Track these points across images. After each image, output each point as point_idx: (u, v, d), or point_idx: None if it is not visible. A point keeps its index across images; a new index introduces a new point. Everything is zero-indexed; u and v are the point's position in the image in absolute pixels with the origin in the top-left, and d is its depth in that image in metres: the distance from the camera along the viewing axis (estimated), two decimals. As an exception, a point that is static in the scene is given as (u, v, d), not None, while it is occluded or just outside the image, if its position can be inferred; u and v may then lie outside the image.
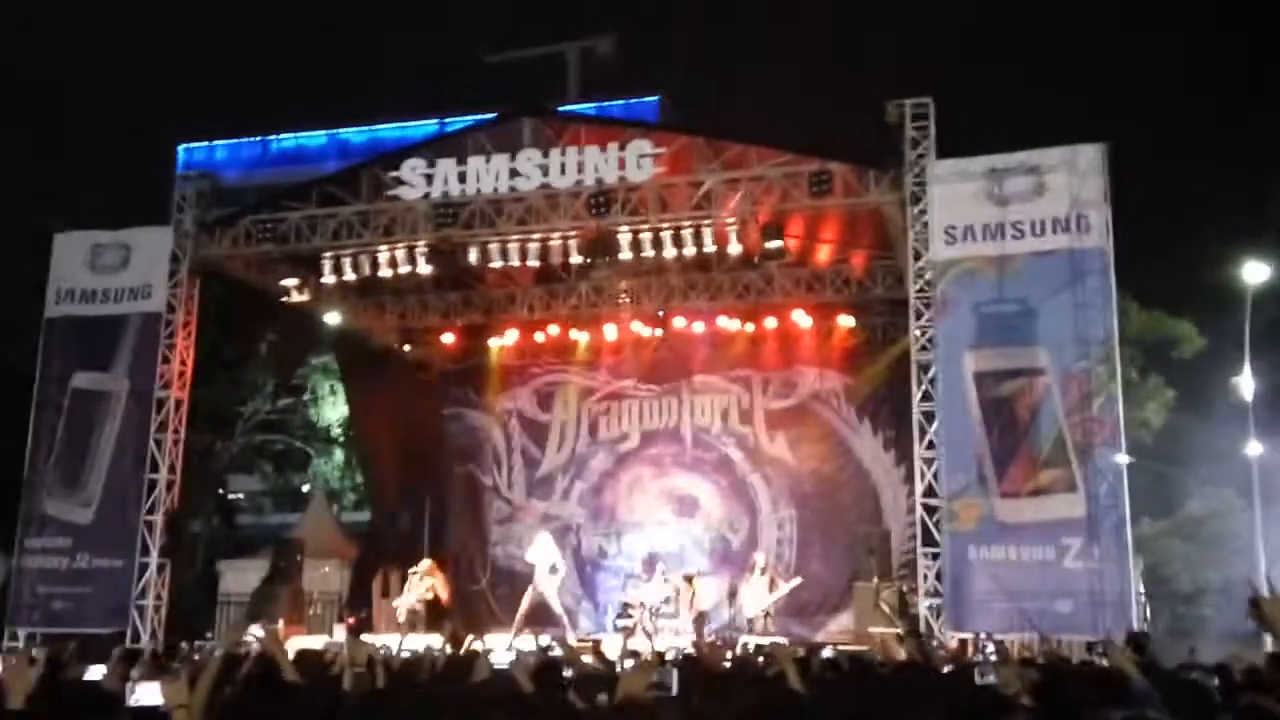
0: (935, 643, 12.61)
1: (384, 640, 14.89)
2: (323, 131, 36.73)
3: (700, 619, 16.69)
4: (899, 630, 14.05)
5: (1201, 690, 6.68)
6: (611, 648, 11.71)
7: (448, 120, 28.87)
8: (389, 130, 34.43)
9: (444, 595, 17.77)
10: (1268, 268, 17.93)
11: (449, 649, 9.23)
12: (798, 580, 16.89)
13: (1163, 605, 19.51)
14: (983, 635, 12.03)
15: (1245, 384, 18.28)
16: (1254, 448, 18.36)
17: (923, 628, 13.56)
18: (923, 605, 13.79)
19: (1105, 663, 8.25)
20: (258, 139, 37.37)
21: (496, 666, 6.32)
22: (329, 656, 7.15)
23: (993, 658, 9.36)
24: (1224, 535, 21.36)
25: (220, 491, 27.81)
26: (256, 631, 15.18)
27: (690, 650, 10.84)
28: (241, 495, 29.87)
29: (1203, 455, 21.44)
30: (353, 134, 36.14)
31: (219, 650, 5.46)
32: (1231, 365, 18.72)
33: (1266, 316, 18.41)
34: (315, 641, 14.61)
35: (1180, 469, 21.78)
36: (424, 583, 17.31)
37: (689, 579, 17.27)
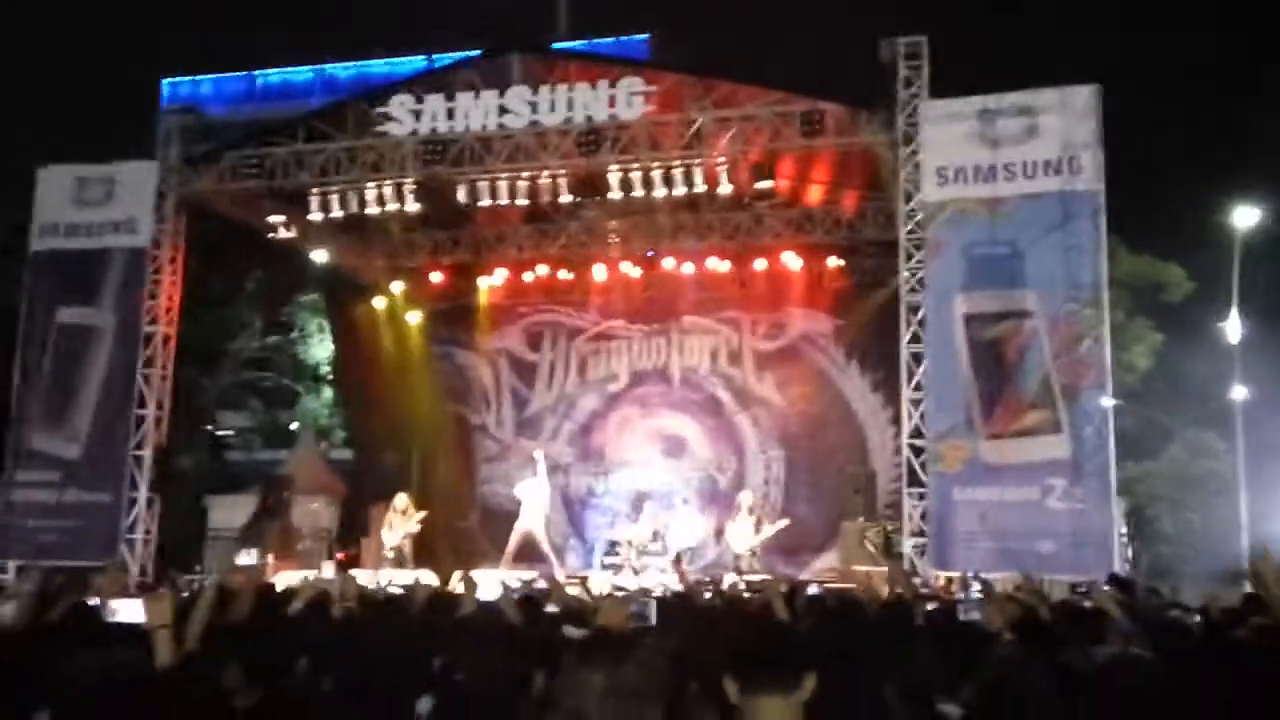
0: (919, 580, 12.76)
1: (372, 575, 15.03)
2: (309, 67, 36.22)
3: (679, 557, 16.81)
4: (885, 568, 14.20)
5: (1183, 628, 6.78)
6: (598, 584, 11.83)
7: (436, 56, 28.49)
8: (377, 66, 33.97)
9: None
10: (1258, 211, 17.91)
11: (437, 584, 9.31)
12: (784, 522, 16.98)
13: (1145, 546, 19.75)
14: (969, 574, 12.15)
15: (1232, 328, 18.33)
16: (1238, 391, 18.46)
17: (907, 566, 13.70)
18: (907, 544, 13.92)
19: (1089, 603, 8.35)
20: (243, 74, 36.84)
21: (483, 600, 6.37)
22: (319, 591, 7.19)
23: (977, 596, 9.47)
24: (1206, 478, 21.55)
25: (209, 428, 27.82)
26: (245, 560, 15.30)
27: (677, 588, 10.94)
28: (230, 431, 29.87)
29: (1188, 398, 21.59)
30: (340, 69, 35.64)
31: (211, 579, 5.47)
32: (1219, 309, 18.76)
33: (1255, 261, 18.43)
34: (304, 575, 14.68)
35: (1166, 412, 21.92)
36: (408, 520, 17.38)
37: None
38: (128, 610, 4.13)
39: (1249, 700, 3.82)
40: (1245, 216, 17.96)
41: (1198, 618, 7.22)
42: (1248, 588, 14.70)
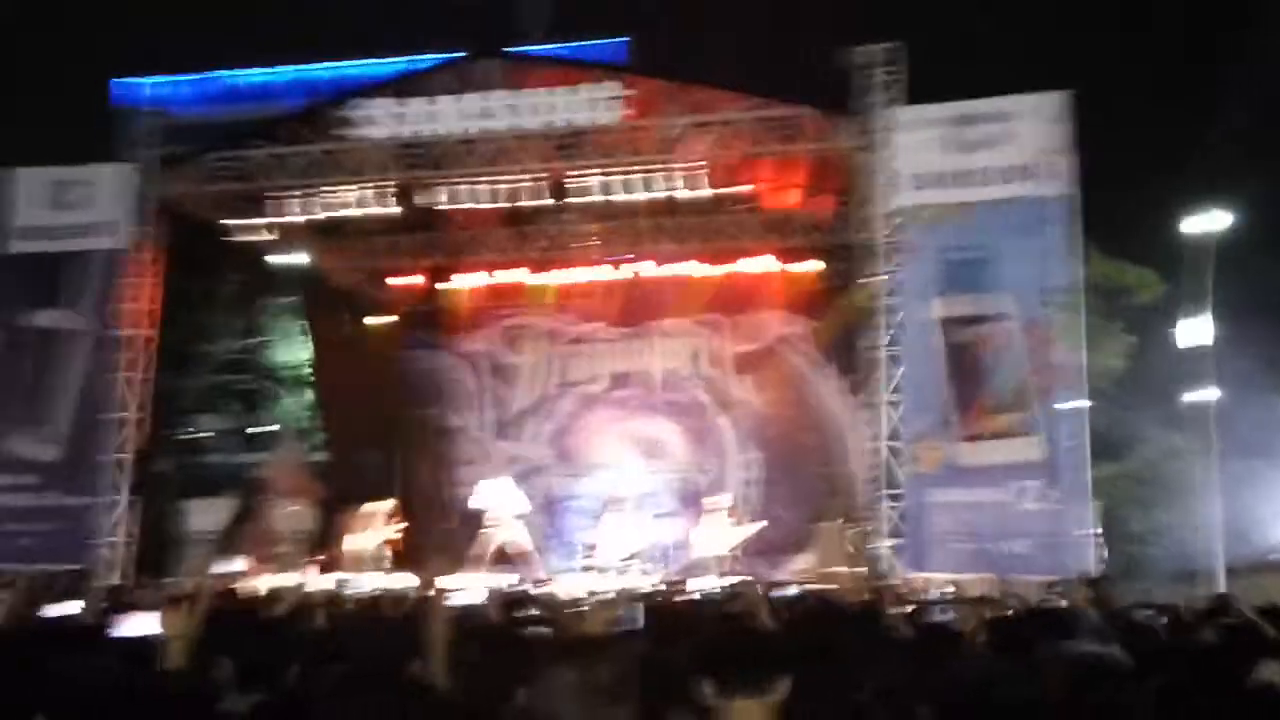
0: (894, 581, 12.90)
1: (350, 578, 15.07)
2: (287, 67, 36.07)
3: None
4: (861, 569, 14.35)
5: (1150, 629, 6.92)
6: (577, 587, 11.92)
7: (415, 58, 28.46)
8: (354, 68, 33.86)
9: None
10: (1229, 215, 18.12)
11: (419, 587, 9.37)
12: (761, 524, 17.11)
13: (1116, 546, 19.93)
14: (941, 576, 12.31)
15: (1203, 330, 18.55)
16: (1209, 393, 18.68)
17: (883, 568, 13.84)
18: (884, 546, 14.05)
19: (1062, 602, 8.49)
20: (217, 74, 36.65)
21: (466, 603, 6.44)
22: (300, 595, 7.26)
23: (949, 596, 9.60)
24: (1175, 478, 21.77)
25: (188, 430, 27.69)
26: (232, 566, 15.31)
27: (658, 588, 11.04)
28: (209, 434, 29.73)
29: (1159, 400, 21.81)
30: (318, 70, 35.51)
31: (207, 584, 5.54)
32: (1191, 312, 18.98)
33: (1227, 263, 18.64)
34: (284, 579, 14.72)
35: (1137, 413, 22.11)
36: (388, 523, 17.43)
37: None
38: (131, 624, 4.20)
39: (1212, 702, 3.94)
40: (1216, 220, 18.16)
41: (1164, 619, 7.37)
42: (1216, 588, 14.90)
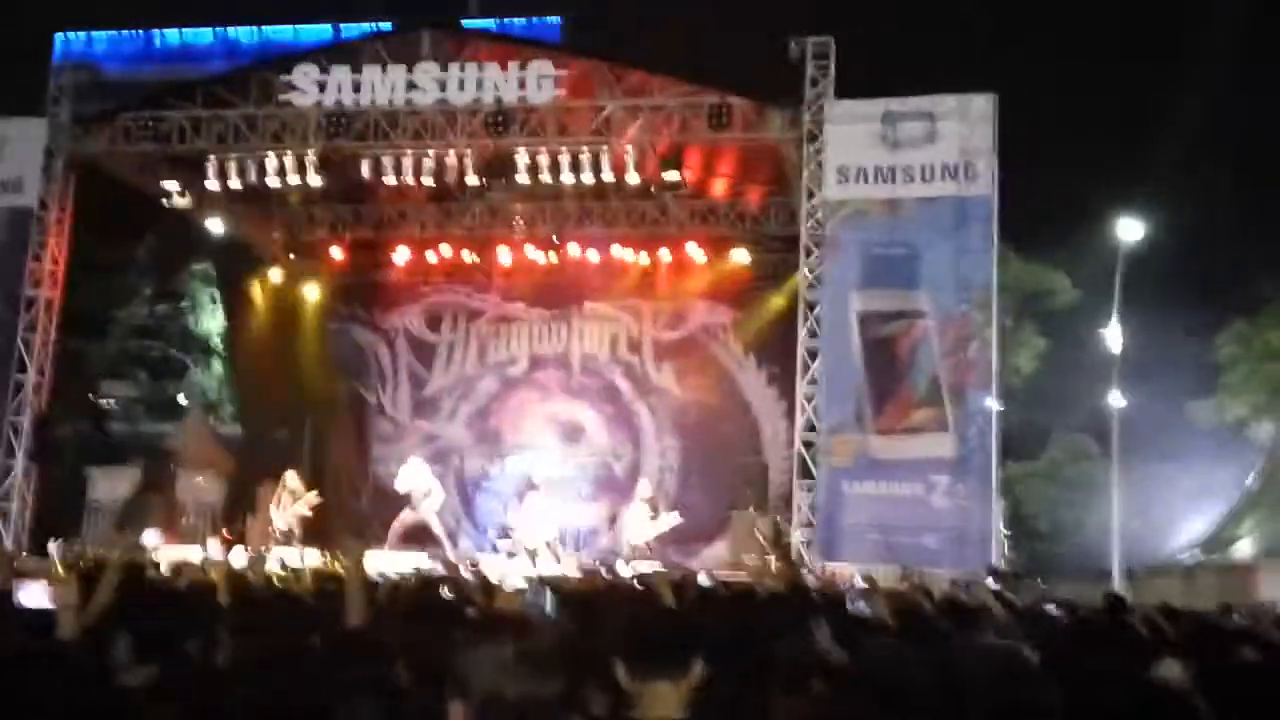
0: (805, 571, 13.03)
1: (258, 553, 14.75)
2: (210, 29, 35.16)
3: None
4: (774, 559, 14.46)
5: (1053, 626, 7.07)
6: (492, 569, 11.83)
7: (343, 26, 27.93)
8: (280, 32, 33.12)
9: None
10: (1141, 225, 18.55)
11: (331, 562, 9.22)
12: (677, 517, 17.11)
13: (1022, 543, 20.42)
14: (854, 568, 12.45)
15: (1113, 337, 18.99)
16: (1116, 398, 19.15)
17: (794, 557, 13.97)
18: (796, 536, 14.19)
19: (966, 596, 8.63)
20: (141, 32, 35.59)
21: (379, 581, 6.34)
22: (204, 568, 7.09)
23: (861, 587, 9.70)
24: (1081, 480, 22.35)
25: (92, 396, 26.94)
26: (136, 538, 14.93)
27: (572, 573, 11.00)
28: (114, 401, 28.97)
29: (1068, 403, 22.35)
30: (242, 34, 34.66)
31: (117, 555, 5.36)
32: (1101, 318, 19.42)
33: (1138, 272, 19.10)
34: (189, 552, 14.38)
35: (1046, 415, 22.63)
36: (299, 498, 17.14)
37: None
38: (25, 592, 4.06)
39: (1115, 699, 4.01)
40: (1129, 229, 18.58)
41: (1065, 617, 7.53)
42: (1111, 586, 15.30)
